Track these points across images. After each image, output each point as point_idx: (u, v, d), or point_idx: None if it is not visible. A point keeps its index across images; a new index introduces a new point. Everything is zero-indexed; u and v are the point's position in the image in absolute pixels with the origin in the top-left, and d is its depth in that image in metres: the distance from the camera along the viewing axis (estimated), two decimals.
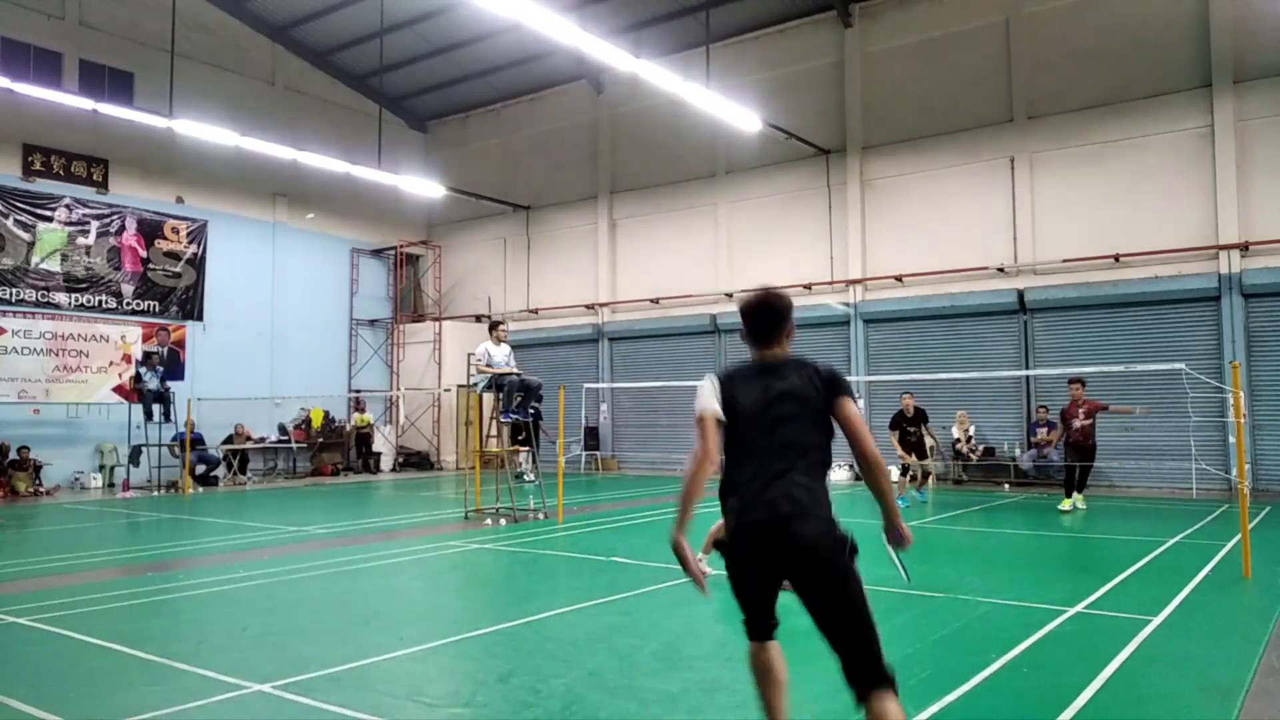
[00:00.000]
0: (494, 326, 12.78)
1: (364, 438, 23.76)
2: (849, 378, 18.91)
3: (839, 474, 19.13)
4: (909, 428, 14.18)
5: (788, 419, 3.44)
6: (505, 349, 12.63)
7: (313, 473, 22.53)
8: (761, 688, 3.78)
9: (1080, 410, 13.07)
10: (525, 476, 18.10)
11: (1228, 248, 15.78)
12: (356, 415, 24.05)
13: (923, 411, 14.50)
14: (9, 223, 18.60)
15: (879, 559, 4.20)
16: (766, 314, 3.70)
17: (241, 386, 21.51)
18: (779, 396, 3.47)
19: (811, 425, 3.46)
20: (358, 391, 24.95)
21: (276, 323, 23.21)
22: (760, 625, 3.77)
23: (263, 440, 21.91)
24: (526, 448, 15.61)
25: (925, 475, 14.56)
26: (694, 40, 20.91)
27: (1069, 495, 13.16)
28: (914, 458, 14.27)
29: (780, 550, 3.40)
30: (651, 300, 22.65)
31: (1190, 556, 8.98)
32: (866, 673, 3.27)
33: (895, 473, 14.61)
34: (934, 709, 4.48)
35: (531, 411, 13.16)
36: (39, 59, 19.14)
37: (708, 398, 3.51)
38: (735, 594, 3.72)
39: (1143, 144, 16.68)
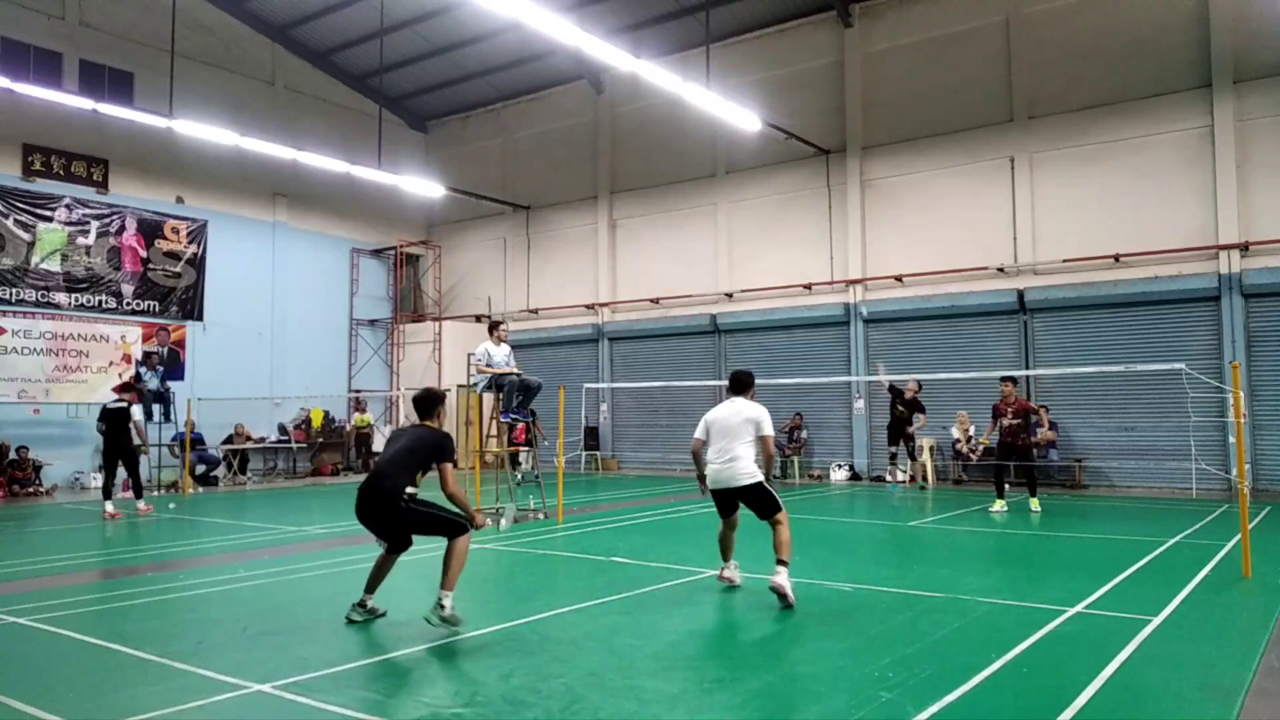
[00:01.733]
0: (494, 327, 12.76)
1: (364, 438, 23.76)
2: (849, 378, 19.11)
3: (837, 474, 19.15)
4: (899, 406, 15.58)
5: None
6: (505, 349, 12.61)
7: (313, 473, 22.54)
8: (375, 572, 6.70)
9: (1009, 410, 13.08)
10: (525, 476, 17.90)
11: (1228, 248, 15.78)
12: (357, 415, 24.04)
13: (918, 402, 15.51)
14: (9, 223, 18.60)
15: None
16: (422, 401, 7.10)
17: (241, 386, 21.51)
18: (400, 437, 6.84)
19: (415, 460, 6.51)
20: (358, 391, 24.94)
21: (276, 323, 23.22)
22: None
23: (263, 440, 21.91)
24: (528, 447, 15.56)
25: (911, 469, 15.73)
26: (694, 40, 20.92)
27: (1000, 496, 13.16)
28: (899, 447, 15.73)
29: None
30: (651, 300, 22.66)
31: (1190, 556, 8.98)
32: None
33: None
34: (934, 709, 4.48)
35: (530, 413, 13.15)
36: (39, 59, 19.14)
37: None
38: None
39: (1143, 144, 16.68)
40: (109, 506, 13.55)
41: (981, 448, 17.55)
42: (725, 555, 7.64)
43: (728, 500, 7.41)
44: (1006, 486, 13.49)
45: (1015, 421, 13.01)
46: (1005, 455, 13.20)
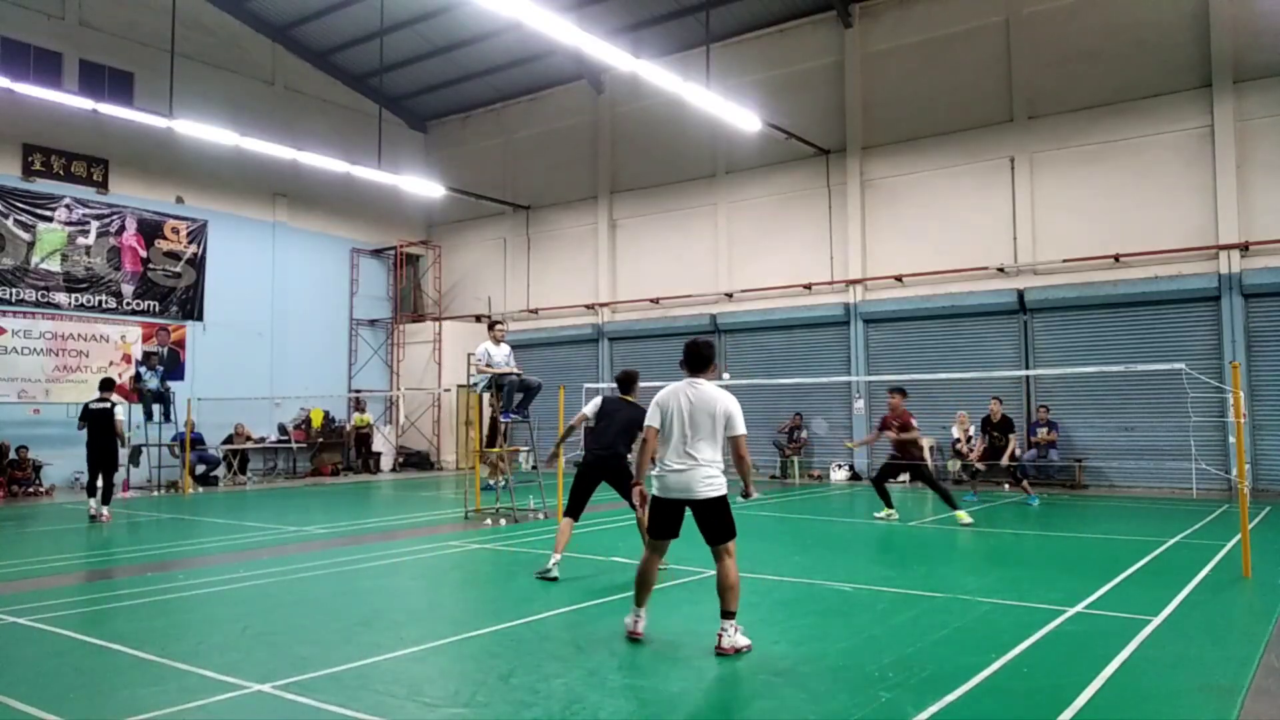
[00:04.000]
0: (492, 326, 12.76)
1: (363, 438, 23.75)
2: (849, 378, 18.91)
3: (837, 474, 19.15)
4: (994, 433, 14.86)
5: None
6: (505, 349, 12.62)
7: (313, 473, 22.53)
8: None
9: (895, 423, 12.42)
10: (491, 482, 16.99)
11: (1228, 248, 15.78)
12: (356, 415, 24.04)
13: (1009, 420, 14.91)
14: (9, 223, 18.60)
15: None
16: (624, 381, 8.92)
17: (241, 386, 21.50)
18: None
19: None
20: (358, 391, 24.94)
21: (276, 323, 23.21)
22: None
23: (263, 440, 21.91)
24: (527, 448, 15.48)
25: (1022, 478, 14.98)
26: (694, 40, 20.92)
27: (889, 505, 12.41)
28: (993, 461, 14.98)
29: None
30: (651, 300, 22.66)
31: (1190, 556, 8.98)
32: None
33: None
34: (934, 709, 4.48)
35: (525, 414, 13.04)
36: (39, 59, 19.14)
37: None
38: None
39: (1143, 144, 16.68)
40: (100, 508, 13.10)
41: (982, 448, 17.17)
42: (643, 597, 5.92)
43: (675, 516, 5.78)
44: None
45: (904, 435, 12.39)
46: (895, 467, 12.61)
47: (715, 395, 5.72)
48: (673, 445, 5.70)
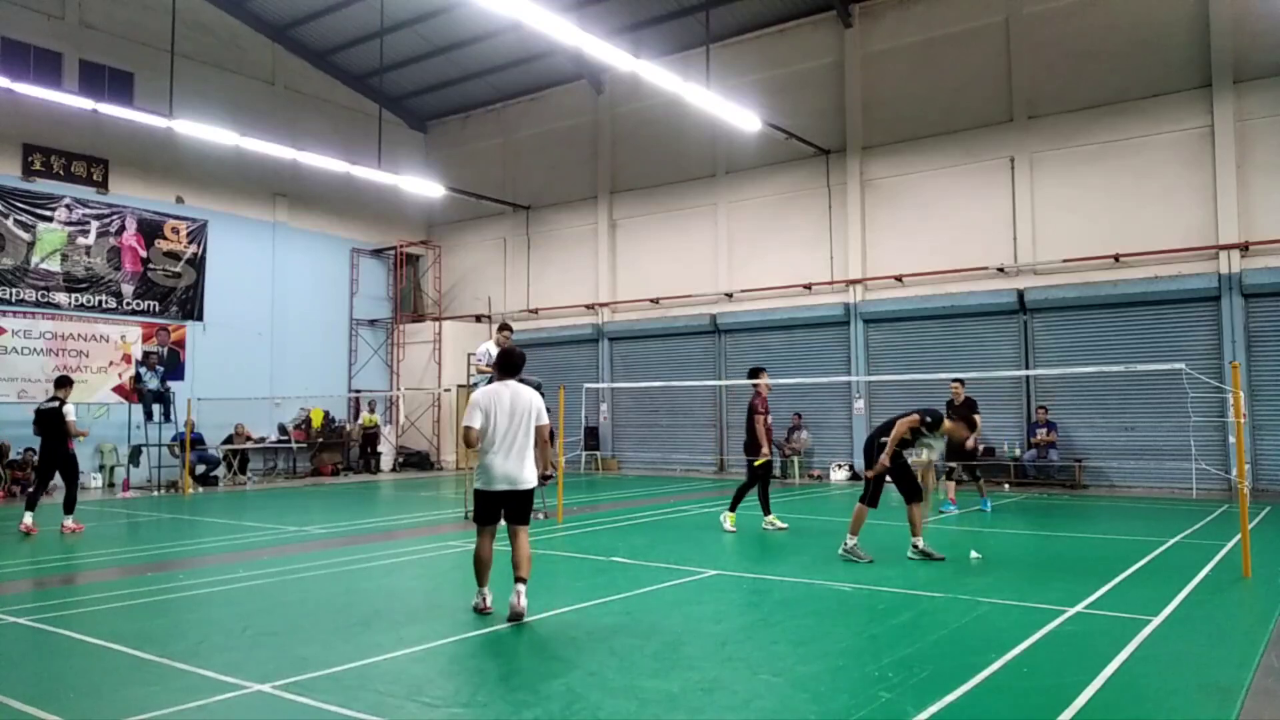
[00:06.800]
0: (502, 328, 12.69)
1: (371, 438, 23.72)
2: (849, 378, 18.92)
3: (837, 474, 19.14)
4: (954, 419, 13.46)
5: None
6: None
7: (313, 473, 22.53)
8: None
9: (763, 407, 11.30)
10: None
11: (1228, 248, 15.78)
12: (365, 415, 24.00)
13: (972, 401, 13.60)
14: (9, 223, 18.60)
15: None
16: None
17: (241, 386, 21.50)
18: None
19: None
20: (358, 391, 24.94)
21: (276, 323, 23.21)
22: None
23: (263, 440, 21.91)
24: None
25: (976, 479, 13.62)
26: (694, 40, 20.92)
27: (733, 509, 11.11)
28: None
29: None
30: (651, 300, 22.66)
31: (1190, 556, 8.98)
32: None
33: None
34: (934, 709, 4.48)
35: None
36: (39, 59, 19.14)
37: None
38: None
39: (1143, 144, 16.68)
40: (27, 519, 11.55)
41: (982, 448, 16.97)
42: (485, 577, 6.65)
43: (501, 504, 6.55)
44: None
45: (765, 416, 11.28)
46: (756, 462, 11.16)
47: (529, 393, 6.58)
48: (501, 440, 6.42)
